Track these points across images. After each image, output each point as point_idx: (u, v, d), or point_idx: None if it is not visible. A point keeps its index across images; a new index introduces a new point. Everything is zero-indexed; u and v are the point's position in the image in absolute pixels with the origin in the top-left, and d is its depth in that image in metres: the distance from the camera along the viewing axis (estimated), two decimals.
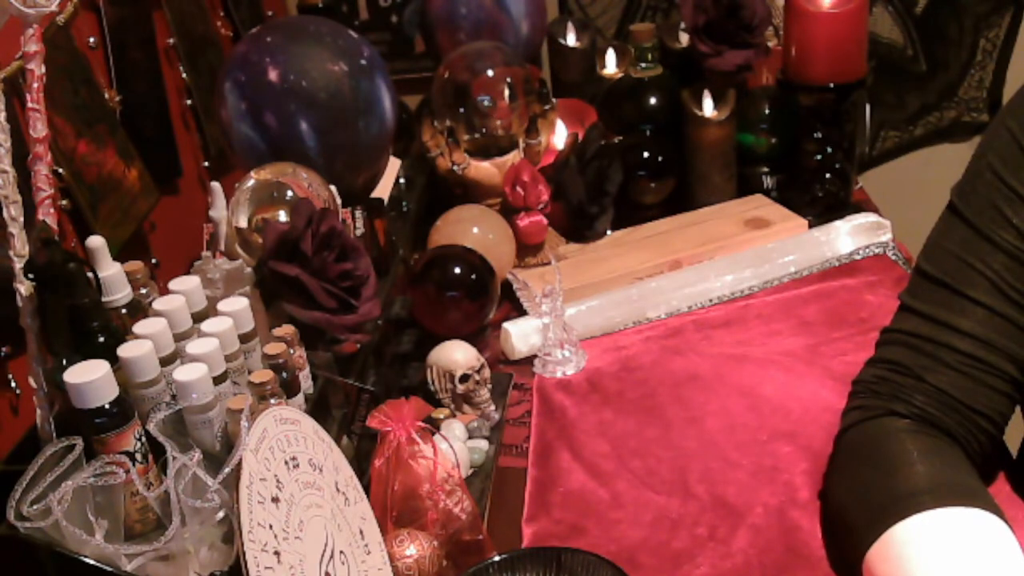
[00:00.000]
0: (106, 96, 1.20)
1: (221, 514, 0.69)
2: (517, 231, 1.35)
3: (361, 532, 0.80)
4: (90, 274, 0.76)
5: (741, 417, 1.06)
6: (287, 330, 0.87)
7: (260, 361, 0.85)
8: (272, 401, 0.78)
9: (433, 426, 0.92)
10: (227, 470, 0.68)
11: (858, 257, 1.34)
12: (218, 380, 0.77)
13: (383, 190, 1.29)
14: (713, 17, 1.41)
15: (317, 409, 0.87)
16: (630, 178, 1.43)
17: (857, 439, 0.87)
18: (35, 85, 0.76)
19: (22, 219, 0.74)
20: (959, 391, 0.82)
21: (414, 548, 0.84)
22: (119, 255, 0.85)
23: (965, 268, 0.82)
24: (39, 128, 0.76)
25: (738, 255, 1.34)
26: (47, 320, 0.75)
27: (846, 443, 0.89)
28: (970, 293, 0.82)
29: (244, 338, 0.84)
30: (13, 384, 0.97)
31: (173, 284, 0.84)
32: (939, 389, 0.83)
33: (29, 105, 0.76)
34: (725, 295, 1.30)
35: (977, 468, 0.83)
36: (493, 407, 1.07)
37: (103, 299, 0.79)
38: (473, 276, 1.21)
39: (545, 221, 1.36)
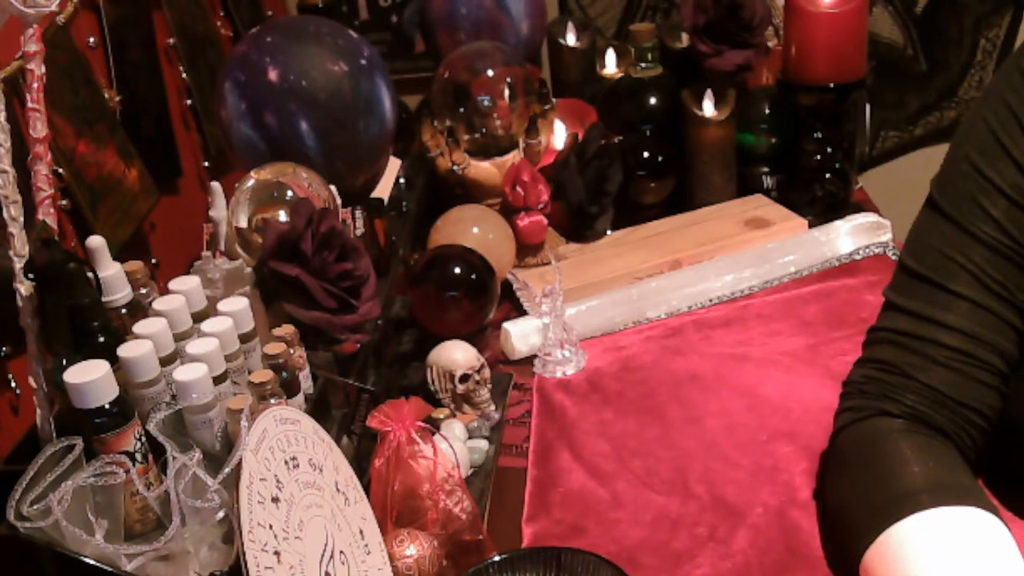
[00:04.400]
0: (106, 96, 1.20)
1: (221, 514, 0.69)
2: (517, 231, 1.35)
3: (361, 532, 0.80)
4: (90, 274, 0.76)
5: (741, 417, 1.06)
6: (287, 330, 0.87)
7: (260, 361, 0.85)
8: (272, 401, 0.78)
9: (433, 426, 0.92)
10: (227, 470, 0.68)
11: (858, 257, 1.34)
12: (218, 380, 0.77)
13: (383, 190, 1.30)
14: (713, 17, 1.41)
15: (317, 409, 0.87)
16: (630, 178, 1.43)
17: (851, 441, 0.87)
18: (35, 85, 0.76)
19: (22, 219, 0.74)
20: (949, 387, 0.82)
21: (414, 548, 0.84)
22: (119, 255, 0.85)
23: (947, 262, 0.82)
24: (39, 128, 0.76)
25: (738, 255, 1.34)
26: (47, 320, 0.75)
27: (840, 445, 0.89)
28: (953, 287, 0.82)
29: (244, 338, 0.84)
30: (13, 384, 0.97)
31: (173, 284, 0.84)
32: (929, 387, 0.83)
33: (29, 105, 0.75)
34: (725, 295, 1.30)
35: (970, 464, 0.83)
36: (493, 407, 1.07)
37: (103, 299, 0.79)
38: (473, 276, 1.21)
39: (545, 221, 1.36)
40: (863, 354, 0.90)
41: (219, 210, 1.00)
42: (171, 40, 1.40)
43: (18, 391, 0.97)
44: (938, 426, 0.83)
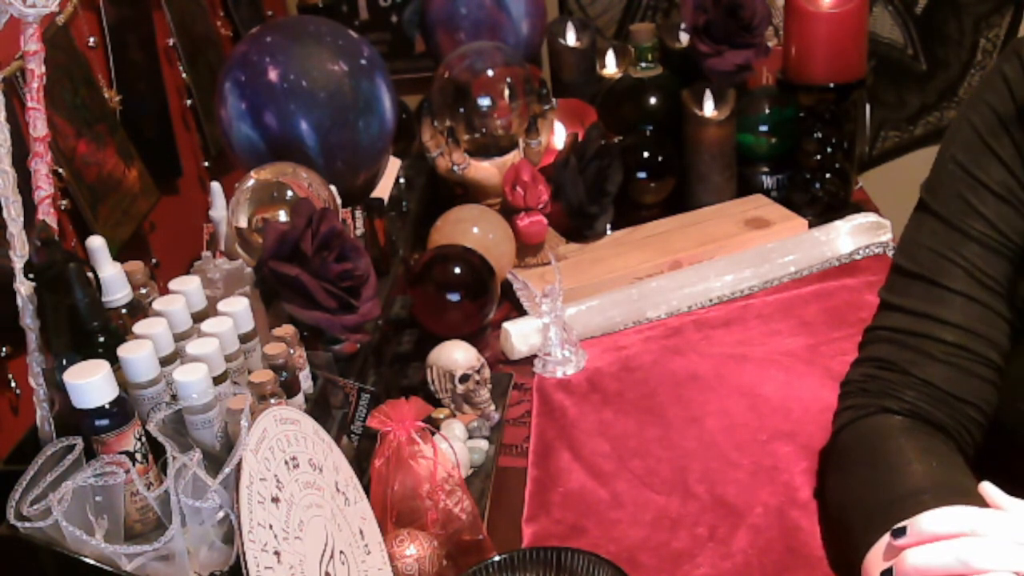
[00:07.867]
0: (106, 96, 1.20)
1: (221, 514, 0.69)
2: (517, 231, 1.35)
3: (361, 532, 0.80)
4: (90, 274, 0.76)
5: (741, 417, 1.06)
6: (287, 330, 0.87)
7: (260, 361, 0.85)
8: (272, 401, 0.78)
9: (433, 426, 0.92)
10: (227, 470, 0.68)
11: (858, 257, 1.34)
12: (218, 380, 0.77)
13: (383, 190, 1.29)
14: (713, 17, 1.41)
15: (317, 409, 0.87)
16: (630, 178, 1.44)
17: (852, 439, 0.87)
18: (35, 85, 0.76)
19: (22, 219, 0.74)
20: (947, 383, 0.84)
21: (414, 548, 0.84)
22: (119, 255, 0.84)
23: (940, 260, 0.84)
24: (39, 128, 0.76)
25: (738, 255, 1.34)
26: (47, 320, 0.75)
27: (841, 443, 0.89)
28: (948, 284, 0.84)
29: (244, 338, 0.84)
30: (13, 384, 0.97)
31: (173, 284, 0.84)
32: (928, 382, 0.84)
33: (29, 105, 0.75)
34: (725, 295, 1.30)
35: (969, 461, 0.84)
36: (493, 407, 1.07)
37: (103, 299, 0.79)
38: (473, 276, 1.21)
39: (545, 221, 1.36)
40: (860, 354, 0.91)
41: (219, 210, 1.00)
42: (171, 40, 1.40)
43: (18, 391, 0.97)
44: (938, 423, 0.84)
